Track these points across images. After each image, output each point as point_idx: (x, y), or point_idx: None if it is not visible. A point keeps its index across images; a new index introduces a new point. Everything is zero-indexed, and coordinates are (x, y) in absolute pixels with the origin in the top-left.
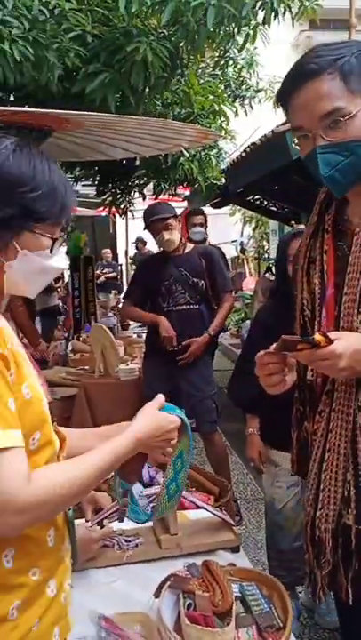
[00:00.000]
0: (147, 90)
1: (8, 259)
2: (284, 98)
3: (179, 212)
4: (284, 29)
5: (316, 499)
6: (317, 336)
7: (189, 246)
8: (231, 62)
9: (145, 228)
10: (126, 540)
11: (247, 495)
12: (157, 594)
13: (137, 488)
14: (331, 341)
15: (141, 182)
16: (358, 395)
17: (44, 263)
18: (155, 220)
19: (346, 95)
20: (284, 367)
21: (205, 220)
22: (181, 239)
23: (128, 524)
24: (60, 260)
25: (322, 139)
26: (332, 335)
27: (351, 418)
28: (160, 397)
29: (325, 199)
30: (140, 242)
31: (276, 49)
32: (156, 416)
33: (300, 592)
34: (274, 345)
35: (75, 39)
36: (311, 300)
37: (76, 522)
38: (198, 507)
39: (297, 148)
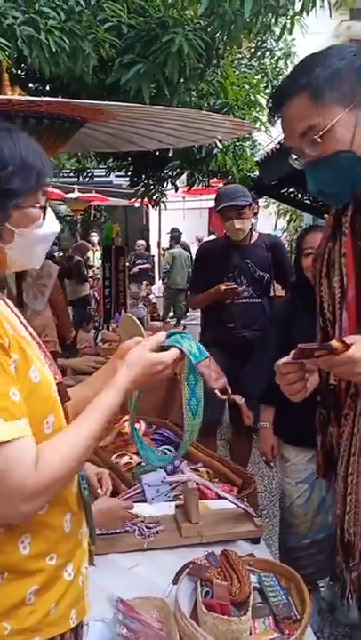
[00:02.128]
0: (182, 81)
1: (7, 242)
2: (273, 120)
3: (211, 204)
4: (324, 19)
5: (344, 502)
6: (335, 342)
7: (255, 235)
8: (268, 53)
9: (216, 210)
10: (147, 527)
11: (272, 488)
12: (176, 580)
13: (159, 474)
14: (348, 347)
15: (174, 173)
16: None
17: (40, 233)
18: (230, 207)
19: (317, 111)
20: (304, 374)
21: (258, 209)
22: (251, 227)
23: (150, 511)
24: (52, 224)
25: (308, 155)
26: (348, 340)
27: None
28: (155, 338)
29: None
30: (176, 232)
31: (315, 39)
32: (142, 361)
33: (322, 587)
34: (292, 353)
35: (110, 30)
36: (332, 304)
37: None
38: (220, 497)
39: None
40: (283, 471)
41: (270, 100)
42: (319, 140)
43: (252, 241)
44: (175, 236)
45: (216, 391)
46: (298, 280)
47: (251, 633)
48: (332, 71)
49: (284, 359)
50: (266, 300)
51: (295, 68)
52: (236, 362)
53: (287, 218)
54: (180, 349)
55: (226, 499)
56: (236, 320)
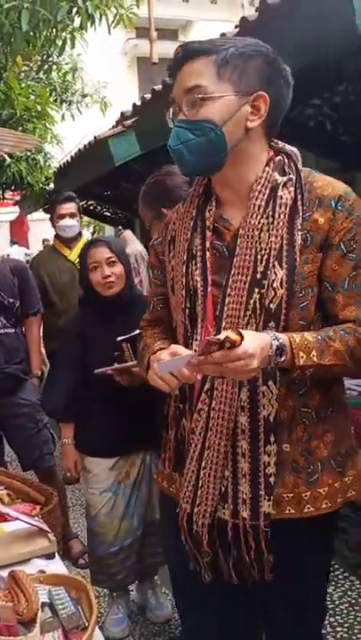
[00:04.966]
0: None
1: None
2: (172, 73)
3: (10, 217)
4: (115, 37)
5: (193, 496)
6: (232, 335)
7: None
8: (55, 67)
9: None
10: None
11: (83, 501)
12: None
13: None
14: (242, 337)
15: None
16: (241, 394)
17: None
18: None
19: (213, 78)
20: None
21: (79, 210)
22: None
23: None
24: None
25: (182, 113)
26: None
27: (233, 417)
28: None
29: (203, 193)
30: None
31: (105, 55)
32: None
33: (132, 591)
34: (196, 350)
35: None
36: (191, 298)
37: None
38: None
39: (119, 154)
40: (87, 483)
41: (177, 53)
42: (199, 100)
43: None
44: None
45: None
46: (86, 294)
47: None
48: (242, 55)
49: (195, 356)
50: (20, 329)
51: (217, 38)
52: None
53: (91, 229)
54: None
55: (18, 519)
56: None
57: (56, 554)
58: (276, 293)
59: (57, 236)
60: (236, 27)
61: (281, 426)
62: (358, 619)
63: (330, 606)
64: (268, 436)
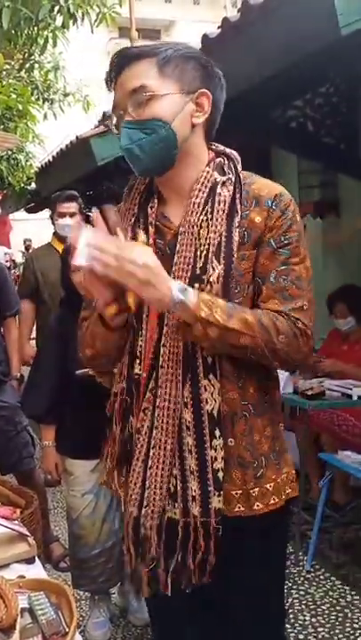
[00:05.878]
0: None
1: None
2: (109, 81)
3: None
4: (97, 36)
5: (140, 498)
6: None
7: None
8: (37, 65)
9: None
10: None
11: (65, 504)
12: None
13: None
14: None
15: None
16: (184, 391)
17: None
18: None
19: (157, 77)
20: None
21: (81, 209)
22: None
23: None
24: None
25: (129, 115)
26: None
27: (178, 414)
28: None
29: (145, 190)
30: None
31: (87, 54)
32: None
33: (114, 594)
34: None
35: None
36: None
37: None
38: None
39: (101, 153)
40: (68, 485)
41: (114, 60)
42: (145, 100)
43: None
44: None
45: None
46: (67, 295)
47: None
48: (182, 56)
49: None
50: None
51: (146, 44)
52: None
53: None
54: None
55: None
56: None
57: (36, 558)
58: (212, 287)
59: (55, 234)
60: (218, 27)
61: (224, 420)
62: (340, 619)
63: (311, 606)
64: (213, 431)
